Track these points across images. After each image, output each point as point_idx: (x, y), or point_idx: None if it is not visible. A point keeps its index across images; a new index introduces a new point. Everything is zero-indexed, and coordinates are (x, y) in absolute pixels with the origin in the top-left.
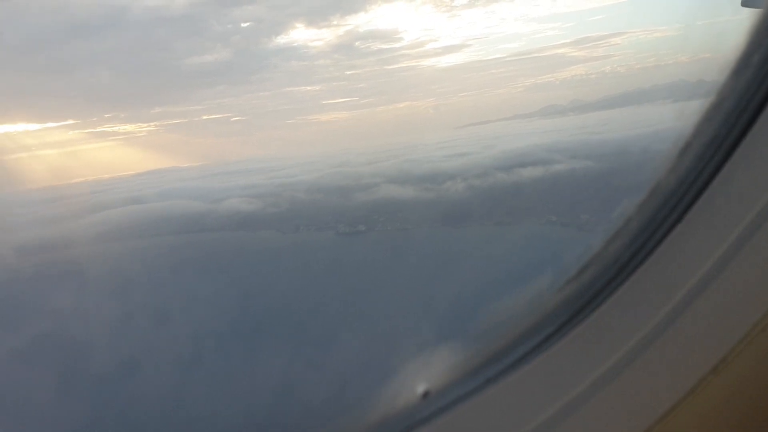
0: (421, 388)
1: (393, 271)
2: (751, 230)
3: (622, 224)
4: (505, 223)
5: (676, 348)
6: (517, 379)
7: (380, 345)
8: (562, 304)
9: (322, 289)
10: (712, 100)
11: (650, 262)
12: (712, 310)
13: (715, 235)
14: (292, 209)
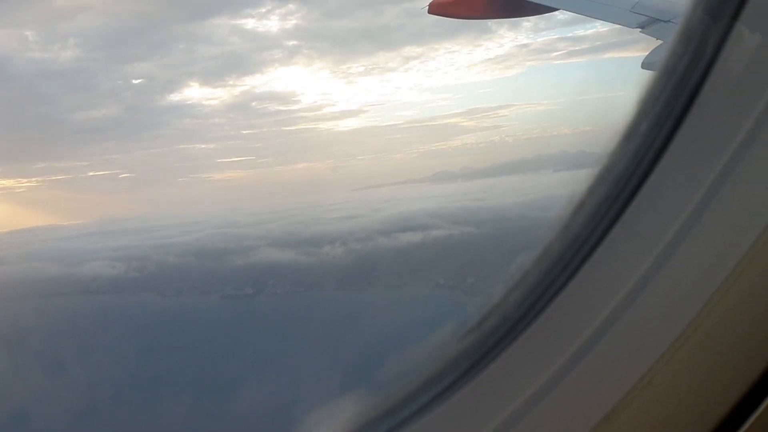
0: None
1: (284, 333)
2: (639, 288)
3: (517, 281)
4: (394, 286)
5: (569, 398)
6: (416, 430)
7: (280, 401)
8: (459, 356)
9: (210, 349)
10: (603, 165)
11: (545, 315)
12: (604, 362)
13: (605, 292)
14: (157, 274)
